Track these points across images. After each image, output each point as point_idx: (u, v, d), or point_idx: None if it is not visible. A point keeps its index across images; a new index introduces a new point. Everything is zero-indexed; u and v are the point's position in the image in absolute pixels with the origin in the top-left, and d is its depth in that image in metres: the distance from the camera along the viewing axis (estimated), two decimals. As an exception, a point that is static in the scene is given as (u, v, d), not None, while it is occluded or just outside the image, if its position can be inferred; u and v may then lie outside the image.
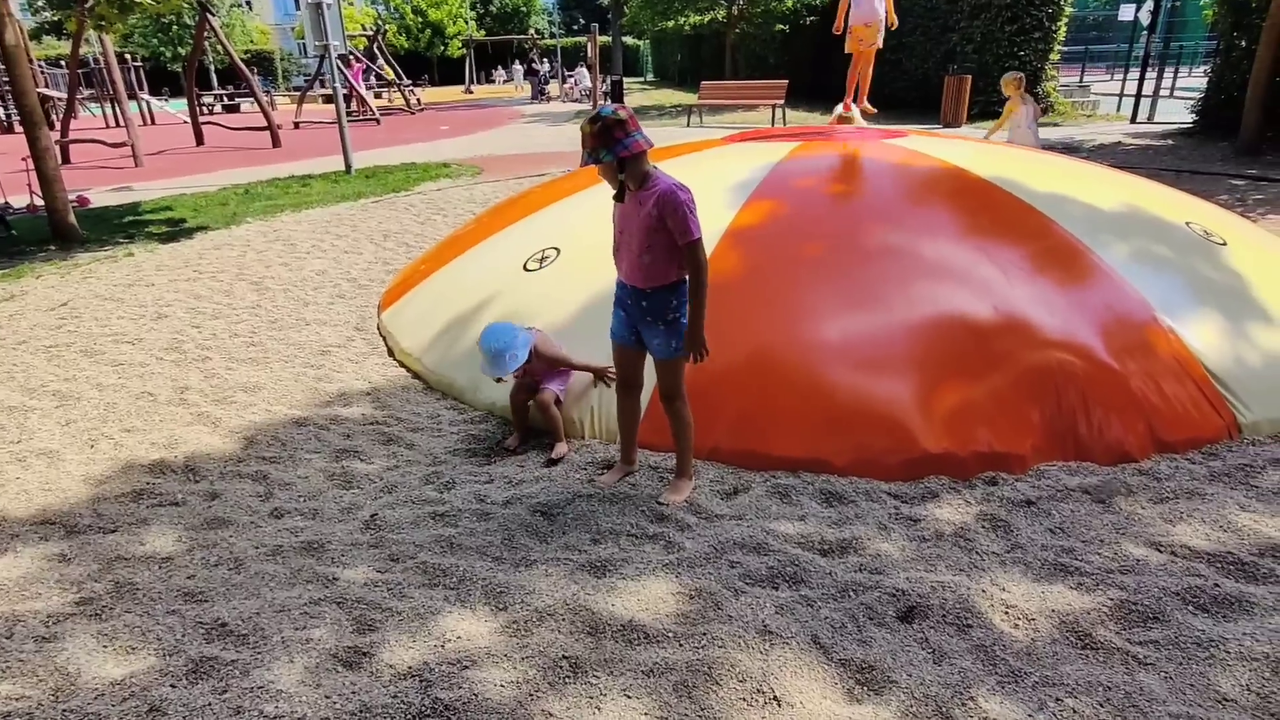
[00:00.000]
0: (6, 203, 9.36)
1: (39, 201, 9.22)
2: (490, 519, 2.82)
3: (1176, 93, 15.98)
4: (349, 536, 2.72)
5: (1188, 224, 4.23)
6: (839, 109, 7.05)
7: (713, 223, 4.00)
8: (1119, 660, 2.04)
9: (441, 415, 3.81)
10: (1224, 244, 4.13)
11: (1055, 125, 14.45)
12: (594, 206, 4.98)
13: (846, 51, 7.74)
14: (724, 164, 4.91)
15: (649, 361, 2.93)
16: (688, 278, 2.65)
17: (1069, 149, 11.45)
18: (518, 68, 36.83)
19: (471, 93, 36.00)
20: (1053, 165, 5.14)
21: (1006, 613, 2.25)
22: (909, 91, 17.55)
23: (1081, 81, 19.23)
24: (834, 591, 2.37)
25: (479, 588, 2.41)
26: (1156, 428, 3.18)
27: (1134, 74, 15.64)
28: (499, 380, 3.32)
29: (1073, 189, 4.37)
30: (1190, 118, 12.66)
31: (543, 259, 4.33)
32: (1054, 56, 15.59)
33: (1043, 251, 3.81)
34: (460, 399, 3.97)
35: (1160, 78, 15.03)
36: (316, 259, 6.78)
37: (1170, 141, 11.75)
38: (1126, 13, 16.09)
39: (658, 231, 2.59)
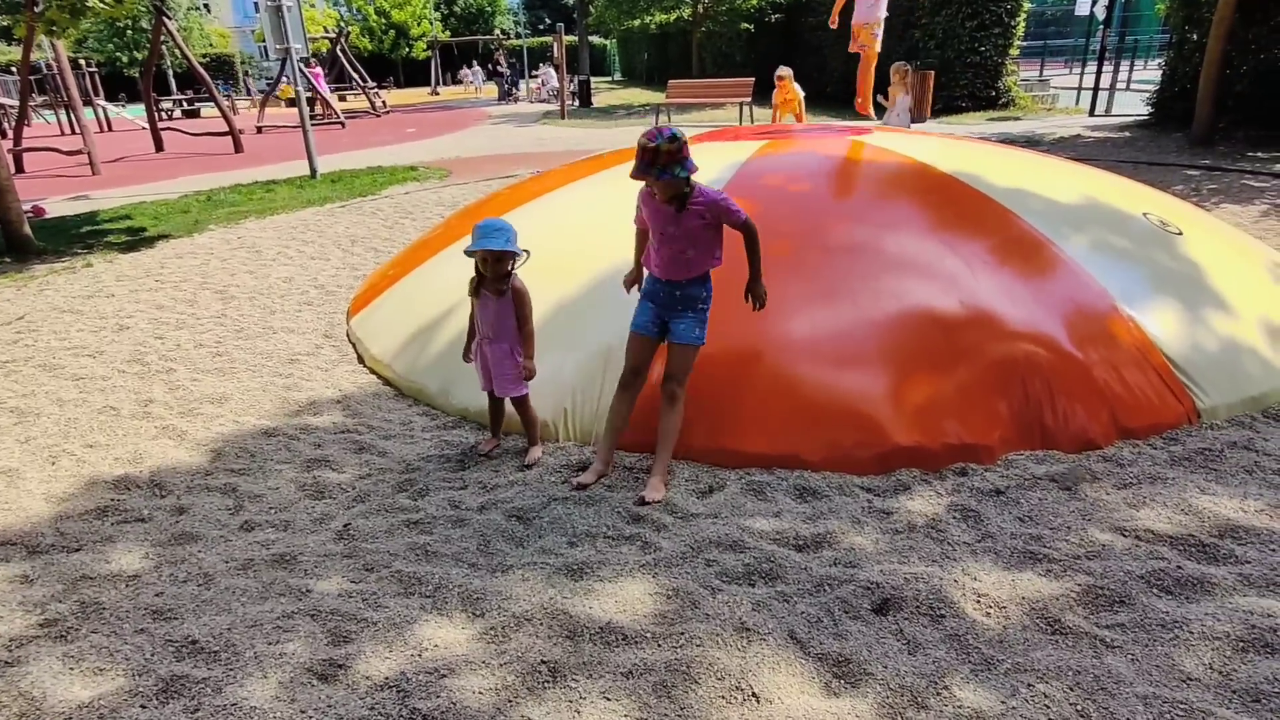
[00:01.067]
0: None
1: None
2: (465, 525, 2.80)
3: (1133, 86, 16.34)
4: (321, 548, 2.69)
5: (1145, 215, 4.33)
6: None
7: (682, 222, 4.01)
8: (1087, 644, 2.09)
9: (414, 422, 3.77)
10: (1180, 233, 4.23)
11: (1016, 119, 14.70)
12: (562, 208, 4.97)
13: (850, 51, 7.76)
14: (692, 163, 4.91)
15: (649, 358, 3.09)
16: (746, 243, 2.93)
17: (1030, 142, 11.67)
18: (476, 69, 36.18)
19: (438, 94, 35.69)
20: (1014, 159, 5.23)
21: (978, 601, 2.28)
22: (874, 87, 17.70)
23: (1041, 75, 19.62)
24: (809, 586, 2.39)
25: (455, 595, 2.39)
26: (1119, 415, 3.25)
27: (1091, 67, 15.99)
28: (491, 262, 3.06)
29: (1033, 182, 4.45)
30: (1146, 110, 12.96)
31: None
32: (1014, 51, 15.87)
33: (1005, 244, 3.87)
34: (432, 405, 3.93)
35: (1116, 71, 15.36)
36: (283, 266, 6.68)
37: (1127, 134, 12.02)
38: (1083, 7, 16.44)
39: (705, 230, 2.88)
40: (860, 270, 3.68)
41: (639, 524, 2.78)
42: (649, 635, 2.19)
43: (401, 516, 2.88)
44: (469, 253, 3.15)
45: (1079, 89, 16.64)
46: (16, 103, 14.49)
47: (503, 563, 2.57)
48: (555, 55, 22.69)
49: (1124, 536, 2.57)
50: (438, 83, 37.72)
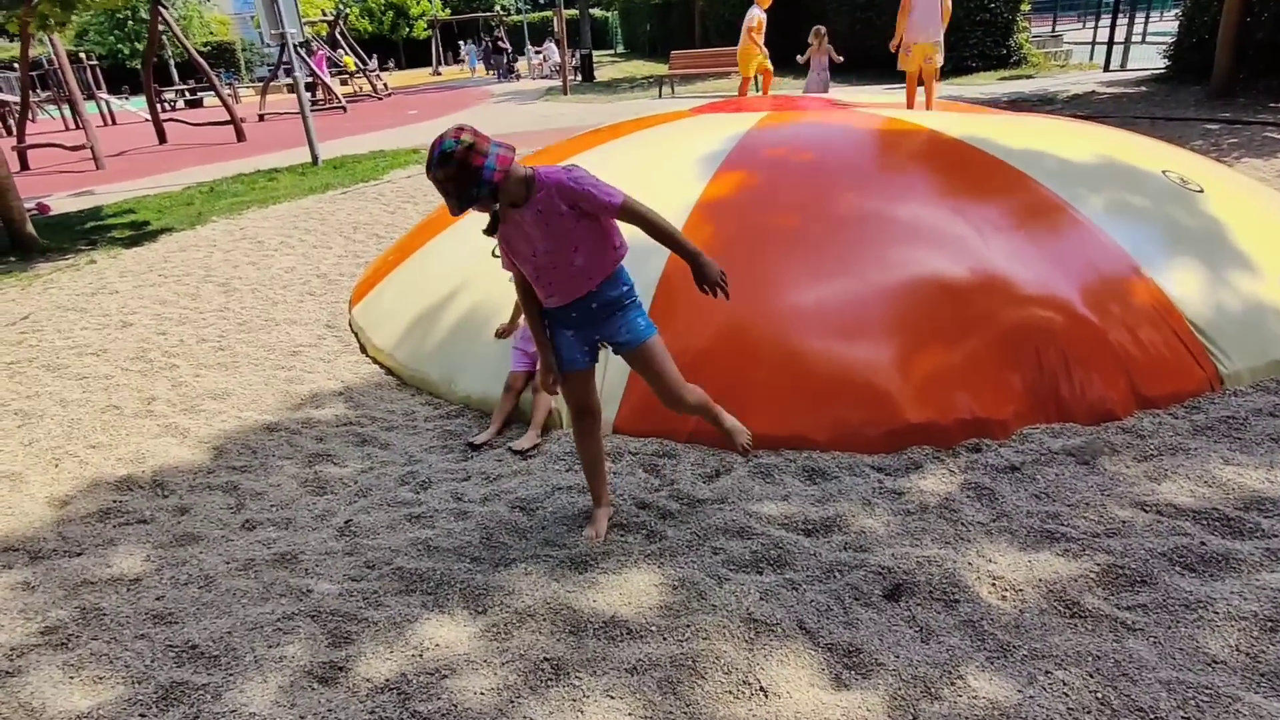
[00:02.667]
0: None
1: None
2: (468, 518, 2.75)
3: (1148, 38, 15.86)
4: (323, 545, 2.65)
5: (1164, 172, 4.17)
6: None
7: (682, 195, 3.92)
8: (1107, 627, 2.01)
9: (416, 412, 3.73)
10: (1200, 190, 4.08)
11: (1029, 78, 14.32)
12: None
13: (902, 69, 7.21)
14: (692, 136, 4.80)
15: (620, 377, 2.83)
16: (649, 233, 2.28)
17: (1043, 101, 11.38)
18: (470, 48, 35.21)
19: (440, 74, 35.31)
20: (1026, 123, 5.07)
21: (993, 584, 2.21)
22: (882, 50, 17.33)
23: (1054, 31, 19.08)
24: (819, 573, 2.33)
25: (457, 591, 2.35)
26: (1138, 383, 3.15)
27: (1105, 21, 15.52)
28: None
29: (1047, 144, 4.30)
30: (1163, 63, 12.57)
31: (511, 245, 4.22)
32: (1024, 7, 15.42)
33: (1019, 208, 3.74)
34: (435, 393, 3.88)
35: (1131, 24, 14.89)
36: (285, 256, 6.63)
37: (1144, 88, 11.67)
38: (1096, -42, 15.90)
39: (578, 225, 2.23)
40: (867, 240, 3.57)
41: (645, 511, 2.73)
42: (654, 629, 2.14)
43: (403, 511, 2.84)
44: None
45: (1093, 44, 16.17)
46: (19, 99, 14.42)
47: (505, 556, 2.52)
48: (556, 30, 22.33)
49: (1145, 512, 2.48)
50: (439, 62, 37.31)
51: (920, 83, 6.85)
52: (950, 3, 6.64)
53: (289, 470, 3.20)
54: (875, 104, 5.85)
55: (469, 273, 4.22)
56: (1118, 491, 2.60)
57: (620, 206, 2.22)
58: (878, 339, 3.24)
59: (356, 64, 26.26)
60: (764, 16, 9.55)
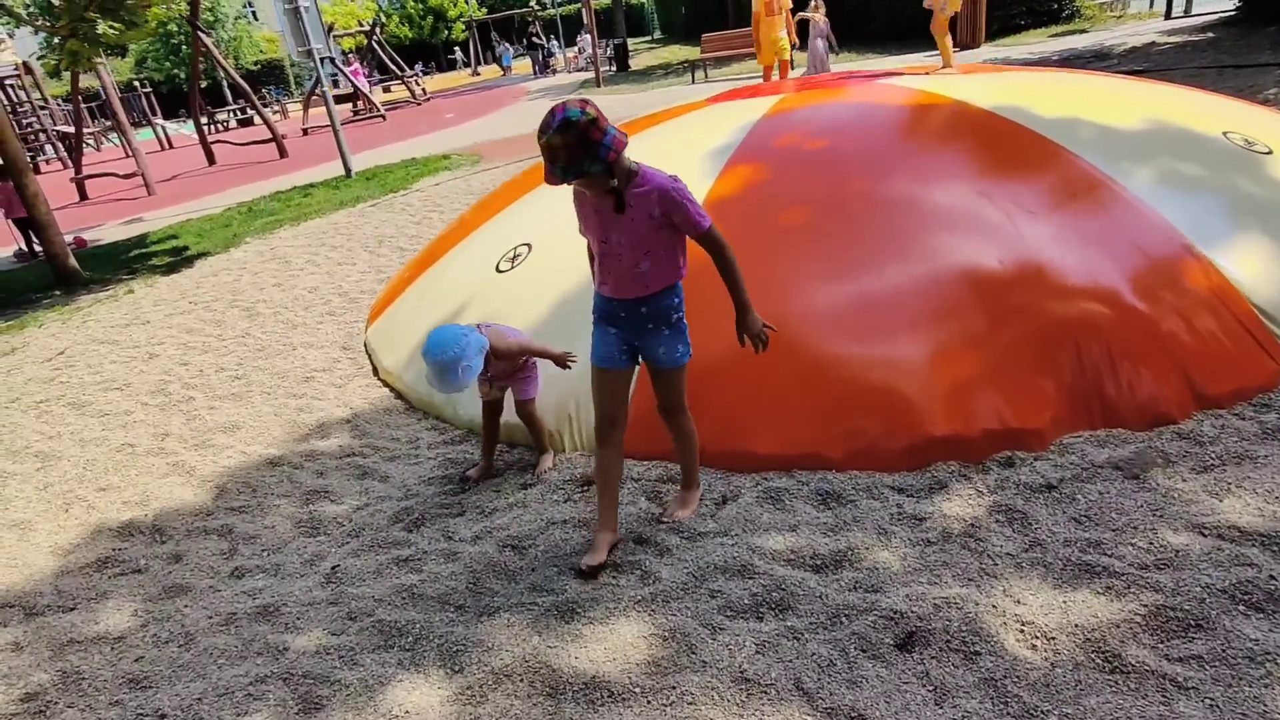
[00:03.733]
0: (21, 249, 9.46)
1: (28, 249, 9.34)
2: (456, 560, 2.61)
3: (1216, -22, 14.73)
4: (307, 595, 2.55)
5: (1225, 134, 3.75)
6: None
7: (687, 199, 3.69)
8: (1154, 686, 1.74)
9: (421, 438, 3.62)
10: (1269, 152, 3.65)
11: (1083, 32, 13.47)
12: (566, 195, 4.69)
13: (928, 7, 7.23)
14: (702, 128, 4.55)
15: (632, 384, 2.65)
16: (717, 265, 2.33)
17: (1098, 56, 10.66)
18: (505, 47, 34.79)
19: (478, 75, 35.43)
20: (1066, 85, 4.65)
21: (1022, 631, 1.95)
22: (923, 17, 16.59)
23: (1110, -21, 17.94)
24: (824, 619, 2.10)
25: (434, 647, 2.20)
26: (1196, 380, 2.80)
27: (1167, -37, 14.46)
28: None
29: (1087, 110, 3.91)
30: (1231, 5, 11.63)
31: (515, 257, 4.08)
32: (1076, -43, 14.52)
33: (1054, 187, 3.40)
34: (441, 417, 3.77)
35: (1196, -36, 13.84)
36: (310, 275, 6.64)
37: (1210, 35, 10.81)
38: (1153, -103, 14.85)
39: (659, 232, 2.25)
40: (884, 233, 3.28)
41: (641, 547, 2.54)
42: (638, 690, 1.95)
43: (392, 553, 2.71)
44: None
45: (1154, -11, 15.14)
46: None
47: (490, 604, 2.37)
48: (587, 21, 22.12)
49: (1203, 536, 2.17)
50: (478, 62, 37.45)
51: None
52: None
53: (285, 510, 3.12)
54: (908, 69, 5.46)
55: (474, 289, 4.09)
56: (1171, 512, 2.28)
57: (705, 231, 2.27)
58: (897, 341, 2.97)
59: (390, 76, 26.51)
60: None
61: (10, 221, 8.98)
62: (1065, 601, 2.02)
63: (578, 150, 2.08)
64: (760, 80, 10.87)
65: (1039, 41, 13.29)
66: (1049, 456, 2.62)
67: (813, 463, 2.81)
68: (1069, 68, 9.39)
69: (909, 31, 16.65)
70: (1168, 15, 13.19)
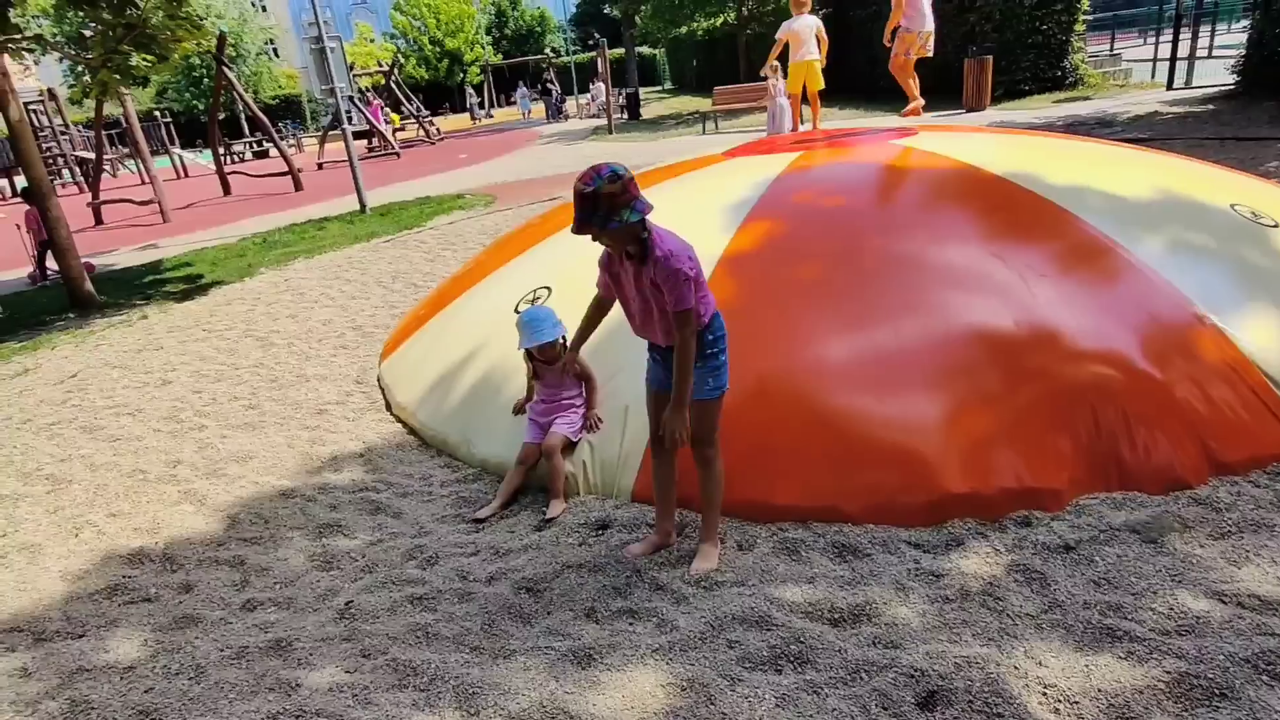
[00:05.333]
0: (35, 271, 9.55)
1: (40, 273, 9.44)
2: (471, 600, 2.60)
3: (1215, 52, 15.13)
4: (320, 630, 2.53)
5: (1233, 206, 3.83)
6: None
7: (707, 249, 3.73)
8: (1180, 755, 1.73)
9: (433, 476, 3.62)
10: (1276, 225, 3.73)
11: (1086, 99, 13.80)
12: (584, 239, 4.77)
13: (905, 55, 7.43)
14: (721, 183, 4.65)
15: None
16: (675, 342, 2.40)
17: (1102, 123, 10.90)
18: (524, 92, 35.54)
19: (478, 120, 35.79)
20: (1076, 152, 4.77)
21: (1044, 694, 1.94)
22: (928, 77, 16.98)
23: (1112, 50, 18.49)
24: (844, 674, 2.09)
25: (449, 689, 2.19)
26: (1212, 446, 2.82)
27: (1167, 36, 14.89)
28: (542, 352, 3.23)
29: (1098, 178, 4.01)
30: (1231, 79, 11.95)
31: (534, 300, 4.13)
32: (1079, 27, 14.93)
33: (1066, 251, 3.47)
34: (454, 455, 3.78)
35: (1195, 38, 14.21)
36: (324, 308, 6.70)
37: (1211, 106, 11.09)
38: (1154, -26, 15.34)
39: (659, 295, 2.38)
40: (900, 291, 3.34)
41: (658, 595, 2.53)
42: (656, 741, 1.94)
43: (407, 590, 2.70)
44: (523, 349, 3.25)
45: (1154, 60, 15.55)
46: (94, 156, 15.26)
47: (505, 646, 2.36)
48: (601, 70, 22.67)
49: (1224, 604, 2.17)
50: (493, 105, 38.10)
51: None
52: None
53: (298, 543, 3.12)
54: (921, 128, 5.59)
55: (493, 330, 4.13)
56: (1190, 577, 2.29)
57: (679, 311, 2.33)
58: (914, 398, 3.00)
59: (407, 114, 27.05)
60: (794, 28, 8.99)
61: (37, 244, 9.10)
62: (1087, 665, 2.01)
63: (617, 202, 2.22)
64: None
65: (1043, 107, 13.60)
66: (1066, 517, 2.63)
67: (829, 515, 2.82)
68: (1073, 133, 9.61)
69: (920, 91, 17.05)
70: (1169, 86, 13.53)
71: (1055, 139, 5.45)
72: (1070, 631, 2.14)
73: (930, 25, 6.72)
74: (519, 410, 3.48)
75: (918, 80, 7.12)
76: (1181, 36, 13.85)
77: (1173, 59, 13.68)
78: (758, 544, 2.74)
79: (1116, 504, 2.67)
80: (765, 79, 10.92)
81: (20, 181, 23.31)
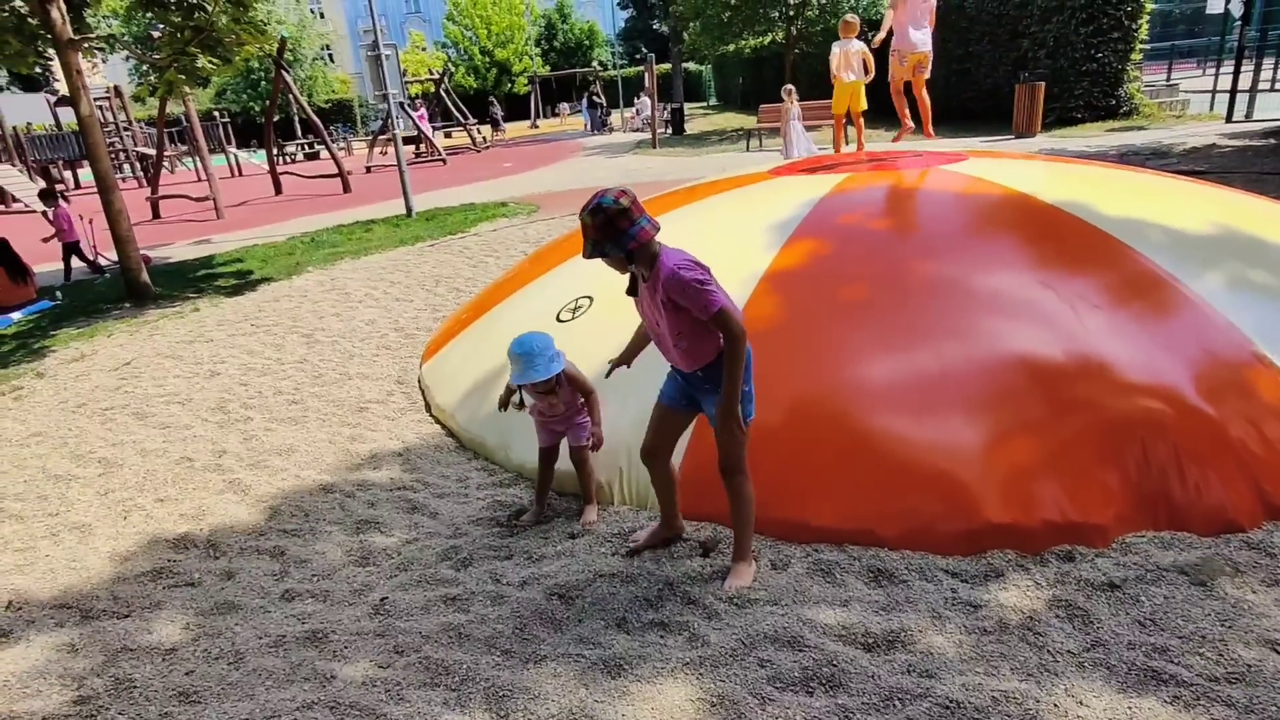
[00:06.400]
0: (96, 259, 9.90)
1: (103, 261, 9.77)
2: (504, 603, 2.63)
3: (1277, 85, 14.77)
4: (355, 624, 2.58)
5: (1295, 243, 3.73)
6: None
7: (750, 266, 3.77)
8: (1227, 806, 1.68)
9: (470, 478, 3.67)
10: (1341, 265, 3.61)
11: (1140, 129, 13.54)
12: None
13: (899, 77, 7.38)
14: (766, 200, 4.66)
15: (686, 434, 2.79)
16: (724, 347, 2.39)
17: (1156, 154, 10.69)
18: (580, 106, 35.58)
19: (537, 127, 36.50)
20: (1132, 184, 4.68)
21: (1084, 734, 1.90)
22: (978, 102, 16.84)
23: (1169, 80, 18.11)
24: (876, 700, 2.07)
25: (480, 690, 2.21)
26: (1266, 488, 2.74)
27: (1227, 68, 14.56)
28: (535, 386, 2.94)
29: (1154, 210, 3.93)
30: (1295, 112, 11.64)
31: (576, 309, 4.17)
32: (1135, 56, 14.66)
33: (1119, 283, 3.40)
34: (491, 459, 3.82)
35: (1258, 71, 13.86)
36: (368, 308, 6.83)
37: (1273, 141, 10.81)
38: (1216, 5, 15.05)
39: (678, 313, 2.37)
40: (946, 315, 3.31)
41: (690, 609, 2.53)
42: (685, 755, 1.93)
43: (440, 590, 2.74)
44: (511, 387, 3.10)
45: (1213, 92, 15.20)
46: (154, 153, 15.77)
47: (536, 651, 2.37)
48: (648, 84, 22.84)
49: (1276, 653, 2.10)
50: (537, 115, 38.68)
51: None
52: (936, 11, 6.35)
53: (336, 537, 3.18)
54: (971, 153, 5.53)
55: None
56: (1241, 624, 2.22)
57: (714, 314, 2.31)
58: (956, 424, 2.96)
59: (454, 123, 27.51)
60: (842, 50, 9.17)
61: (65, 244, 9.35)
62: (1131, 707, 1.96)
63: (603, 233, 2.29)
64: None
65: (1095, 135, 13.38)
66: (1111, 554, 2.57)
67: (865, 539, 2.79)
68: (1126, 164, 9.44)
69: (964, 116, 16.90)
70: (1229, 118, 13.22)
71: (1108, 168, 5.36)
72: (1113, 672, 2.09)
73: (909, 44, 6.50)
74: (504, 405, 3.26)
75: (928, 106, 7.04)
76: (1243, 69, 13.53)
77: (1233, 90, 13.37)
78: (792, 564, 2.72)
79: (1164, 543, 2.60)
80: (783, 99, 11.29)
81: (83, 174, 24.18)
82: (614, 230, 2.28)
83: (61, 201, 9.38)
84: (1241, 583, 2.39)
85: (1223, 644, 2.15)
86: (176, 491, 3.67)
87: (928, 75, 6.64)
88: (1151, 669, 2.07)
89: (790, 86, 11.69)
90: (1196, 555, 2.51)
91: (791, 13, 21.17)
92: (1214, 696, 1.96)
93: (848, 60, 8.77)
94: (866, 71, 6.94)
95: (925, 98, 6.88)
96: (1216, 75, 15.96)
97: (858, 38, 7.56)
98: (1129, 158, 10.49)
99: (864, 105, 7.31)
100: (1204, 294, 3.29)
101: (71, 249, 9.43)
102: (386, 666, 2.36)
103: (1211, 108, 14.71)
